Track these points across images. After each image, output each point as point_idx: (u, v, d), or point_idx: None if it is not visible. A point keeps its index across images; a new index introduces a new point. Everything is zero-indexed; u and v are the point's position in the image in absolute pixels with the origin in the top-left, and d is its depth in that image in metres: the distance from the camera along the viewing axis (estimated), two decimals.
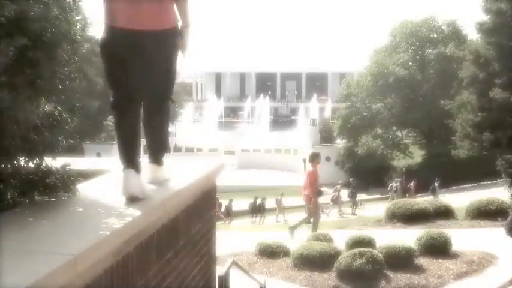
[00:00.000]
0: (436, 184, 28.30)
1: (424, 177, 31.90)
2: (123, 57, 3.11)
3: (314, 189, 11.64)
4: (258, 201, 26.01)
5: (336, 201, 26.73)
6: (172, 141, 43.73)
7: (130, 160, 3.08)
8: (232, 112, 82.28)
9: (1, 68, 2.10)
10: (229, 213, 25.31)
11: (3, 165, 2.39)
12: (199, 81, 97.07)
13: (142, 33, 3.09)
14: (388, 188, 28.81)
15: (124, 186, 2.93)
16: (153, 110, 3.37)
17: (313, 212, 11.89)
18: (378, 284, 8.46)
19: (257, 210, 25.66)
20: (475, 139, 34.36)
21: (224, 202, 25.03)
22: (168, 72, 3.29)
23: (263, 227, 22.10)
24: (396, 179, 29.44)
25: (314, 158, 11.98)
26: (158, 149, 3.41)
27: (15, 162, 2.46)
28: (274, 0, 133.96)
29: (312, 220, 11.88)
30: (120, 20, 3.11)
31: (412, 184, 29.44)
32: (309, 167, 11.86)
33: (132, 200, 2.82)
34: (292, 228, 12.05)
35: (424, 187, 30.92)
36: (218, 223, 23.67)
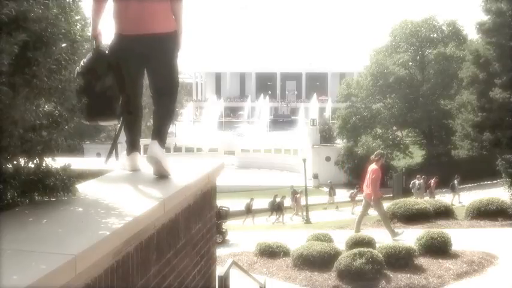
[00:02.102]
0: (456, 181, 28.29)
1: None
2: (131, 54, 3.47)
3: (376, 186, 11.60)
4: (277, 200, 26.11)
5: (353, 198, 27.75)
6: (172, 141, 43.76)
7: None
8: (232, 112, 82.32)
9: (3, 67, 2.10)
10: (250, 211, 25.37)
11: (3, 166, 2.39)
12: (199, 81, 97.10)
13: (151, 36, 3.44)
14: (410, 185, 28.85)
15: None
16: (161, 97, 3.65)
17: (377, 209, 11.76)
18: (378, 284, 8.46)
19: (276, 208, 25.73)
20: (475, 139, 34.38)
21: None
22: (172, 69, 3.63)
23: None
24: (418, 176, 29.32)
25: (381, 156, 12.00)
26: (162, 125, 3.62)
27: (15, 162, 2.46)
28: (274, 1, 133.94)
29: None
30: (129, 27, 3.45)
31: (432, 181, 29.45)
32: (373, 165, 11.74)
33: None
34: (358, 226, 11.90)
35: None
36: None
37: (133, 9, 3.44)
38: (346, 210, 27.65)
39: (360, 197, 28.40)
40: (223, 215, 16.67)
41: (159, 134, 3.54)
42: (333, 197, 30.48)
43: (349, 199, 28.74)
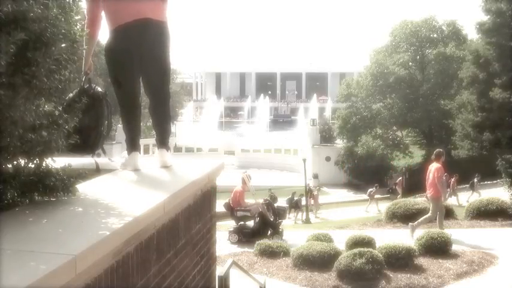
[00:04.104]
0: (476, 180, 28.22)
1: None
2: (127, 53, 3.54)
3: (441, 185, 11.53)
4: (295, 198, 26.10)
5: (372, 197, 28.05)
6: (172, 141, 43.69)
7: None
8: (232, 112, 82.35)
9: (1, 68, 2.10)
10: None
11: (3, 166, 2.39)
12: (199, 81, 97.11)
13: (145, 22, 3.53)
14: None
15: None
16: (157, 97, 3.80)
17: (439, 208, 11.63)
18: (378, 284, 8.45)
19: (295, 206, 25.72)
20: (475, 139, 34.38)
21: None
22: (166, 60, 3.74)
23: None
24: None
25: (441, 154, 11.99)
26: (163, 133, 3.84)
27: (15, 162, 2.46)
28: (275, 1, 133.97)
29: (437, 217, 11.63)
30: (123, 16, 3.52)
31: (453, 180, 29.32)
32: (434, 164, 11.67)
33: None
34: (414, 227, 11.78)
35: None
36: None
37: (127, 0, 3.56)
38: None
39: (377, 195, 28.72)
40: (281, 214, 15.87)
41: (164, 141, 3.82)
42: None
43: (368, 197, 28.80)
